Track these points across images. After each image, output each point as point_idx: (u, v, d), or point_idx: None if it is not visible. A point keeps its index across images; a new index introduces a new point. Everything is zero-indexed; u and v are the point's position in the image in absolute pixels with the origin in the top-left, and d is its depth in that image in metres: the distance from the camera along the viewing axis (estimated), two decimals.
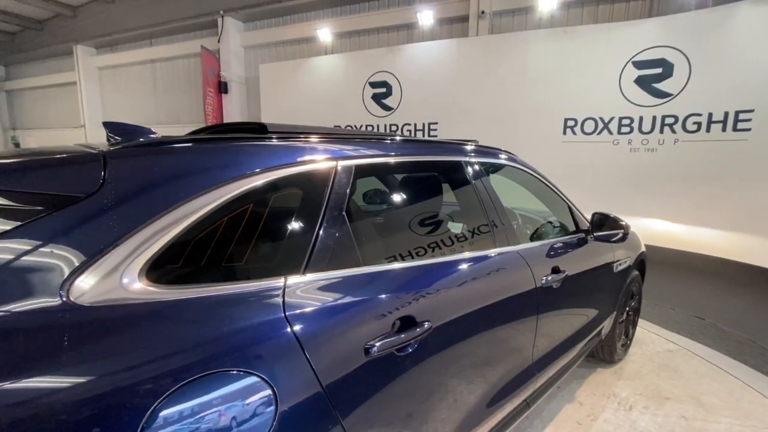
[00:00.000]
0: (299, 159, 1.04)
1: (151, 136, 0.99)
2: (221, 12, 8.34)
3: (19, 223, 0.70)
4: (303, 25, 8.00)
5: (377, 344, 0.96)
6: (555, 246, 1.87)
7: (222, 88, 8.53)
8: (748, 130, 4.45)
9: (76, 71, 11.30)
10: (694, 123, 4.75)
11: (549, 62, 5.49)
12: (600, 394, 2.42)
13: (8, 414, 0.58)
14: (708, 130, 4.67)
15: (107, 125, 1.04)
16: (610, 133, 5.23)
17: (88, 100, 11.41)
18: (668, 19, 4.90)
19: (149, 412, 0.66)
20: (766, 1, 4.30)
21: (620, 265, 2.41)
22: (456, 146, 1.67)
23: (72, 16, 11.08)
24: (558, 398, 2.37)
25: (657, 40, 4.86)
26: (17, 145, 14.04)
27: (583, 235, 2.12)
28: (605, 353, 2.67)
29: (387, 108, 6.82)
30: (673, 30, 4.79)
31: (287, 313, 0.86)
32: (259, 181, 0.95)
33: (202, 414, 0.70)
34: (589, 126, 5.35)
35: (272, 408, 0.77)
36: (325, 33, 7.51)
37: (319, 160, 1.08)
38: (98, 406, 0.63)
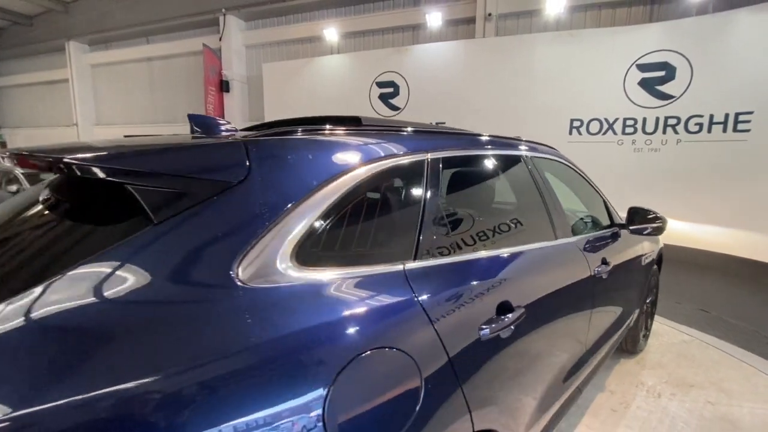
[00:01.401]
0: (404, 151, 1.10)
1: (227, 127, 1.03)
2: (223, 10, 8.29)
3: (186, 207, 0.73)
4: (306, 25, 8.01)
5: (488, 326, 1.02)
6: (600, 238, 1.97)
7: (223, 86, 8.48)
8: (748, 131, 4.66)
9: (68, 68, 11.06)
10: (696, 124, 4.94)
11: (555, 64, 5.63)
12: (628, 382, 2.52)
13: (212, 378, 0.62)
14: (709, 130, 4.87)
15: (192, 117, 1.08)
16: (615, 133, 5.40)
17: (80, 98, 11.18)
18: (671, 23, 5.09)
19: (330, 386, 0.69)
20: (763, 8, 4.51)
21: (647, 258, 2.53)
22: (517, 142, 1.75)
23: (63, 12, 10.85)
24: (589, 387, 2.45)
25: (660, 44, 5.05)
26: (3, 144, 13.63)
27: (617, 228, 2.21)
28: (629, 344, 2.78)
29: (394, 108, 6.88)
30: (675, 34, 4.98)
31: (416, 296, 0.91)
32: (373, 171, 1.00)
33: (368, 389, 0.75)
34: (595, 126, 5.51)
35: (419, 382, 0.82)
36: (330, 33, 7.52)
37: (416, 153, 1.14)
38: (284, 379, 0.67)
